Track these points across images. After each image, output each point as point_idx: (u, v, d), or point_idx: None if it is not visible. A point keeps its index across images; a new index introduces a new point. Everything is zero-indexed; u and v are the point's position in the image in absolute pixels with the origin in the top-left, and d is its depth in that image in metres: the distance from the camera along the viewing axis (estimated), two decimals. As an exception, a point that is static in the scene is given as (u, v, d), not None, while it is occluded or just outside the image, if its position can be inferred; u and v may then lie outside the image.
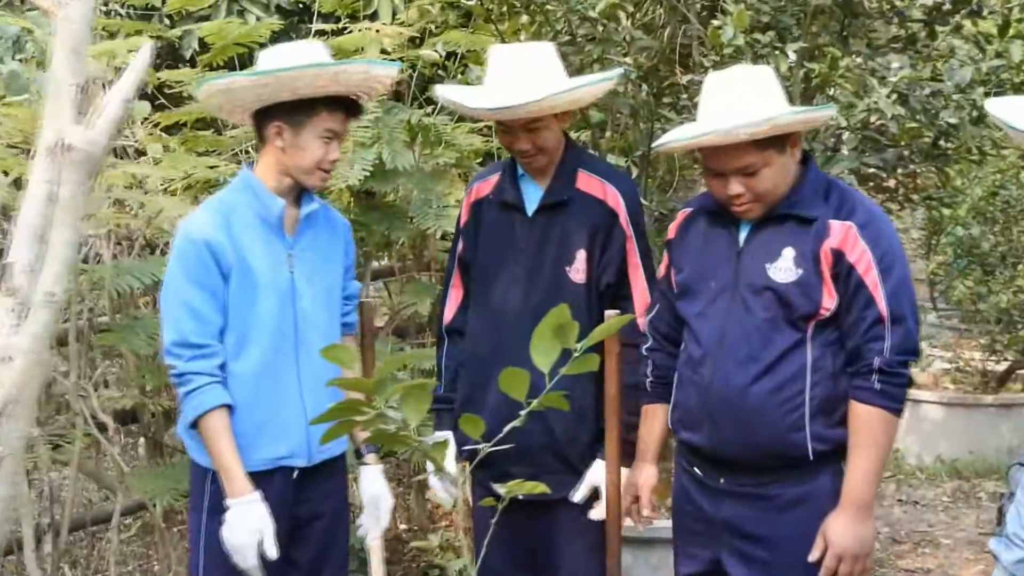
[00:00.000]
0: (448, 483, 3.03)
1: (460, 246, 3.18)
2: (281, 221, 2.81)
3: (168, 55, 5.64)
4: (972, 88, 3.85)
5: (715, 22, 3.51)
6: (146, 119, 3.84)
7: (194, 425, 2.70)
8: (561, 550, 3.08)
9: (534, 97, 2.79)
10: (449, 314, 3.22)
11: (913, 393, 6.93)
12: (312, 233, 2.90)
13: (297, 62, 2.68)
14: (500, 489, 2.11)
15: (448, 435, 3.03)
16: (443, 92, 3.05)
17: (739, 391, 2.66)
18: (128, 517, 3.86)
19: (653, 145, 3.05)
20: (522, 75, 2.91)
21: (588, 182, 3.04)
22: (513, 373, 1.89)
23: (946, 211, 6.29)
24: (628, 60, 3.73)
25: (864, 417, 2.58)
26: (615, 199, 3.03)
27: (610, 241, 3.03)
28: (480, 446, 2.02)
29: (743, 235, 2.73)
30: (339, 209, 3.95)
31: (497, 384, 2.85)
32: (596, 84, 2.98)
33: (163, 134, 4.01)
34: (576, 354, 1.92)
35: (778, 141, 2.59)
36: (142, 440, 3.84)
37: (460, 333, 3.19)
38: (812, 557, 2.62)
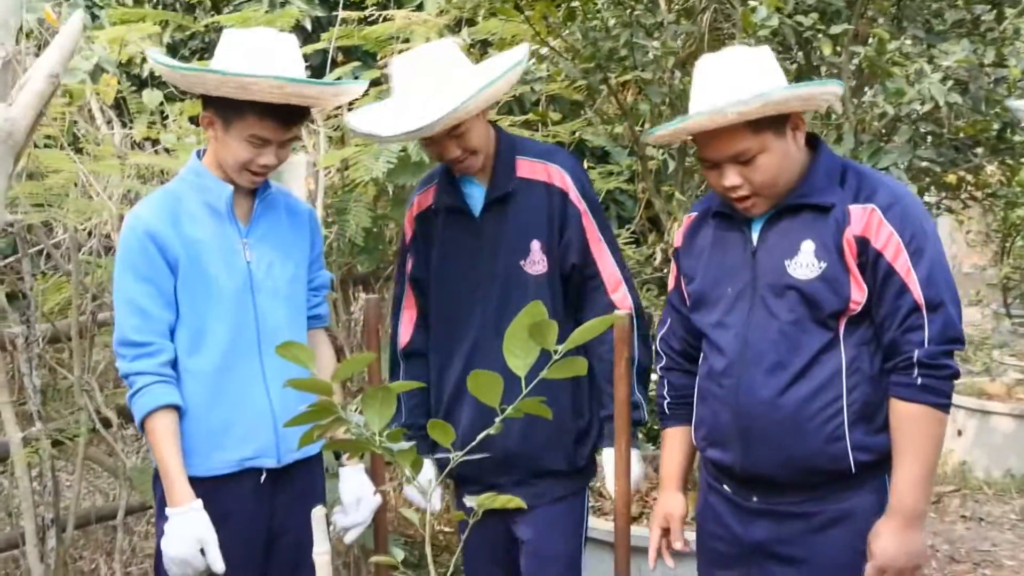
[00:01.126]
0: (419, 494, 2.89)
1: (409, 264, 3.00)
2: (231, 208, 2.63)
3: (209, 47, 5.59)
4: (1042, 76, 3.61)
5: (750, 2, 3.30)
6: (164, 111, 3.77)
7: (141, 426, 2.55)
8: (537, 557, 2.95)
9: (445, 110, 2.58)
10: (405, 336, 3.03)
11: (983, 404, 6.76)
12: (270, 220, 2.71)
13: (235, 60, 2.51)
14: (470, 502, 1.96)
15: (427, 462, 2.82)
16: (354, 124, 2.81)
17: (768, 403, 2.44)
18: (147, 512, 3.78)
19: (643, 140, 2.84)
20: (424, 86, 2.72)
21: (530, 167, 2.86)
22: (484, 376, 1.75)
23: (1020, 211, 6.01)
24: (658, 45, 3.53)
25: (907, 416, 2.35)
26: (561, 178, 2.85)
27: (566, 221, 2.85)
28: (451, 455, 1.88)
29: (756, 233, 2.50)
30: (363, 203, 3.85)
31: (470, 398, 2.73)
32: (506, 75, 2.71)
33: (190, 124, 3.94)
34: (556, 357, 1.77)
35: (775, 123, 2.36)
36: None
37: (418, 355, 3.02)
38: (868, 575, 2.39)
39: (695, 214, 2.71)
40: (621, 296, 2.87)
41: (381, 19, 4.24)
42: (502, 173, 2.85)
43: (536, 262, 2.83)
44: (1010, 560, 5.29)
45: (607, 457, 2.85)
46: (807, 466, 2.43)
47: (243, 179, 2.60)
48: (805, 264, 2.40)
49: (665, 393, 2.78)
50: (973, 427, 6.75)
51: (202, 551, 2.46)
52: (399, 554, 1.98)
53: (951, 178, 4.25)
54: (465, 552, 2.87)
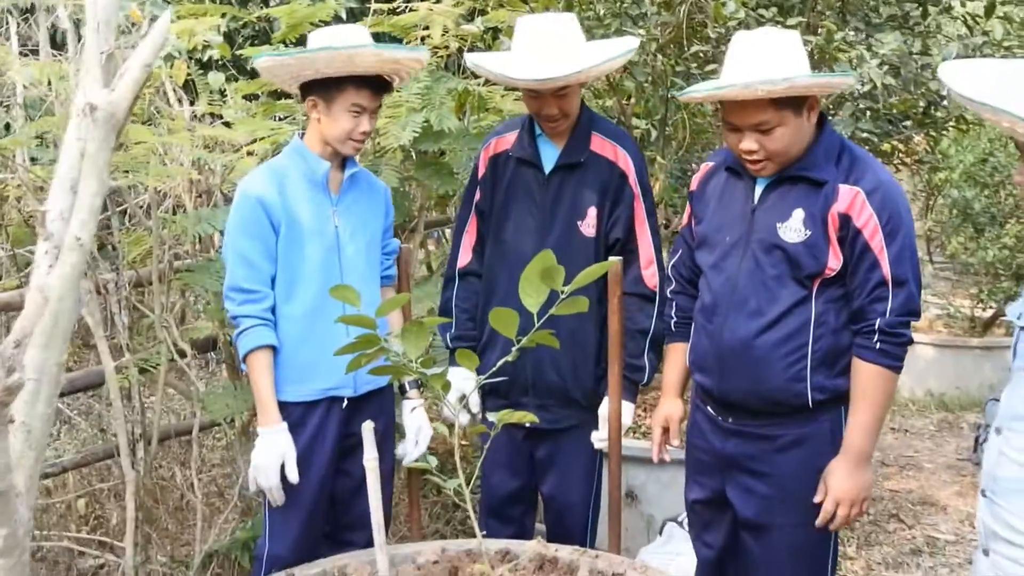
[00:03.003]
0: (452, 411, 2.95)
1: (478, 195, 3.00)
2: (326, 181, 2.74)
3: (259, 35, 5.56)
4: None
5: (721, -3, 3.30)
6: (223, 90, 3.76)
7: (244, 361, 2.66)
8: (559, 472, 2.96)
9: (571, 69, 2.62)
10: (465, 257, 3.04)
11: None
12: (355, 194, 2.82)
13: (331, 44, 2.58)
14: (492, 416, 2.00)
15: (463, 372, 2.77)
16: (476, 60, 2.84)
17: (745, 342, 2.47)
18: (213, 429, 3.83)
19: (677, 94, 2.83)
20: (550, 45, 2.73)
21: (601, 144, 2.86)
22: (502, 313, 1.79)
23: (941, 175, 6.02)
24: (643, 32, 3.54)
25: (866, 374, 2.39)
26: (625, 161, 2.85)
27: (620, 199, 2.85)
28: (495, 380, 1.93)
29: (758, 192, 2.51)
30: (392, 166, 3.86)
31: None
32: (622, 56, 2.78)
33: (245, 101, 3.93)
34: (563, 296, 1.80)
35: (795, 102, 2.35)
36: (224, 367, 3.79)
37: (473, 275, 3.02)
38: (817, 499, 2.46)
39: (712, 164, 2.70)
40: (651, 273, 2.88)
41: (407, 9, 4.21)
42: (578, 143, 2.86)
43: (590, 225, 2.83)
44: (928, 463, 5.42)
45: (603, 406, 2.87)
46: (772, 398, 2.47)
47: (347, 148, 2.70)
48: (794, 229, 2.41)
49: (672, 313, 2.79)
50: (900, 355, 6.82)
51: (283, 466, 2.60)
52: (432, 461, 2.00)
53: (886, 147, 4.27)
54: (486, 461, 2.89)
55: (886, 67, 3.43)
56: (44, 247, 1.58)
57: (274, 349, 2.65)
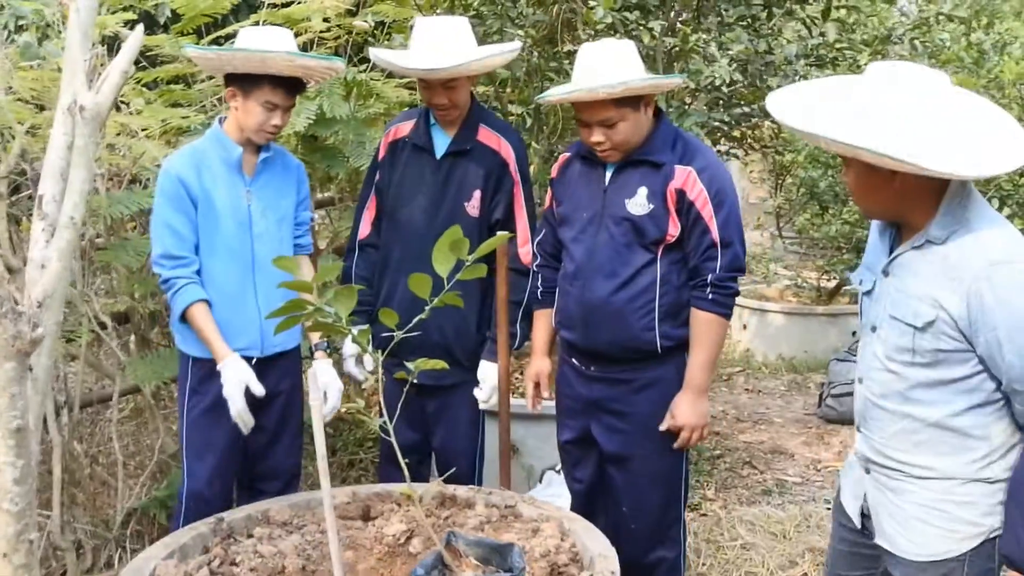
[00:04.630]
0: (361, 367, 3.32)
1: (377, 176, 3.39)
2: (240, 164, 3.08)
3: (146, 22, 5.73)
4: (797, 60, 4.21)
5: (591, 2, 3.79)
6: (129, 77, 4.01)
7: (182, 319, 2.99)
8: (447, 423, 3.39)
9: (456, 62, 3.03)
10: (365, 229, 3.42)
11: (762, 304, 7.39)
12: (268, 175, 3.15)
13: (252, 45, 2.94)
14: (410, 365, 2.36)
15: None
16: (378, 54, 3.26)
17: (604, 300, 2.94)
18: (121, 400, 4.10)
19: (536, 98, 3.31)
20: (443, 43, 3.13)
21: (487, 135, 3.28)
22: (419, 278, 2.14)
23: (789, 156, 6.67)
24: (521, 32, 4.00)
25: (701, 320, 2.91)
26: (507, 151, 3.28)
27: (501, 185, 3.27)
28: (393, 334, 2.28)
29: (608, 176, 2.97)
30: (287, 150, 4.20)
31: (404, 288, 3.16)
32: (503, 55, 3.22)
33: (144, 89, 4.19)
34: (467, 263, 2.22)
35: (633, 101, 2.82)
36: (132, 337, 4.08)
37: (371, 246, 3.41)
38: (662, 428, 2.96)
39: (568, 154, 3.16)
40: (526, 251, 3.30)
41: (299, 2, 4.46)
42: (467, 132, 3.27)
43: (474, 207, 3.25)
44: (778, 418, 6.07)
45: (483, 366, 3.30)
46: (628, 346, 2.96)
47: (259, 138, 3.06)
48: (639, 204, 2.90)
49: (539, 284, 3.24)
50: (754, 323, 7.43)
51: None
52: (360, 403, 2.38)
53: (737, 133, 4.83)
54: (387, 414, 3.30)
55: (735, 64, 4.00)
56: (40, 225, 1.93)
57: (208, 304, 2.99)
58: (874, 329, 2.24)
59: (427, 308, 2.19)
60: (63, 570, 3.59)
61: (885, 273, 2.22)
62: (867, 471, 2.34)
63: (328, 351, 3.33)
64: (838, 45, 4.27)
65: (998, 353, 2.01)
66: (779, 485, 4.90)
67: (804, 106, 2.14)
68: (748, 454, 5.34)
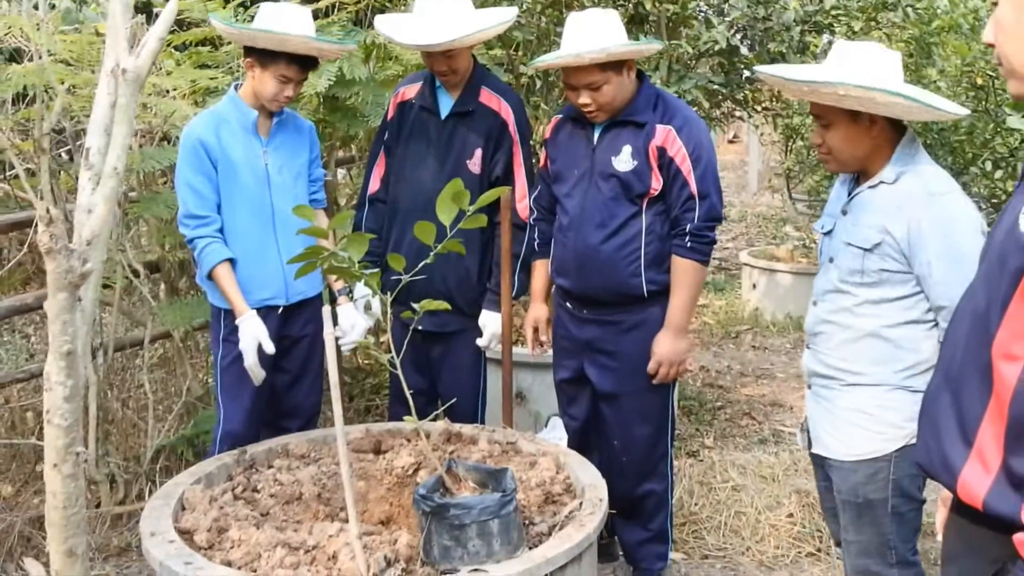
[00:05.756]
0: (369, 313, 3.51)
1: (386, 135, 3.63)
2: (255, 127, 3.33)
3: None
4: (795, 25, 4.40)
5: (595, -29, 4.00)
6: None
7: (208, 276, 3.26)
8: (451, 368, 3.63)
9: (450, 37, 3.24)
10: (375, 185, 3.67)
11: (772, 264, 7.55)
12: (282, 136, 3.41)
13: (272, 24, 3.18)
14: (416, 306, 2.58)
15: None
16: (380, 26, 3.48)
17: (594, 249, 3.21)
18: (153, 344, 4.38)
19: (529, 64, 3.54)
20: (440, 12, 3.34)
21: (488, 97, 3.51)
22: (424, 225, 2.35)
23: (797, 119, 6.84)
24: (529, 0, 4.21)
25: (681, 267, 3.18)
26: (507, 112, 3.51)
27: (501, 144, 3.51)
28: (401, 278, 2.44)
29: (596, 135, 3.23)
30: (309, 111, 4.43)
31: (411, 237, 3.40)
32: (498, 25, 3.42)
33: (173, 51, 4.44)
34: (469, 213, 2.44)
35: (616, 65, 3.07)
36: (163, 286, 4.35)
37: (380, 201, 3.65)
38: (649, 369, 3.22)
39: (560, 117, 3.42)
40: (524, 206, 3.53)
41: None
42: (469, 95, 3.50)
43: (476, 164, 3.49)
44: (781, 374, 6.31)
45: (484, 315, 3.55)
46: (617, 291, 3.24)
47: (273, 105, 3.32)
48: (624, 161, 3.16)
49: (536, 236, 3.50)
50: (764, 282, 7.58)
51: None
52: (371, 339, 2.63)
53: (740, 96, 5.03)
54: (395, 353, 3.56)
55: (734, 31, 4.19)
56: (87, 175, 2.20)
57: (231, 261, 3.25)
58: (832, 260, 2.60)
59: (432, 254, 2.40)
60: (97, 501, 3.92)
61: (844, 212, 2.59)
62: (809, 386, 2.71)
63: (350, 295, 3.58)
64: (835, 11, 4.45)
65: (928, 272, 2.38)
66: (775, 435, 5.15)
67: (806, 71, 2.54)
68: (748, 406, 5.59)
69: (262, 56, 3.23)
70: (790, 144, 8.01)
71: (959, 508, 1.60)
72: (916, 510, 2.58)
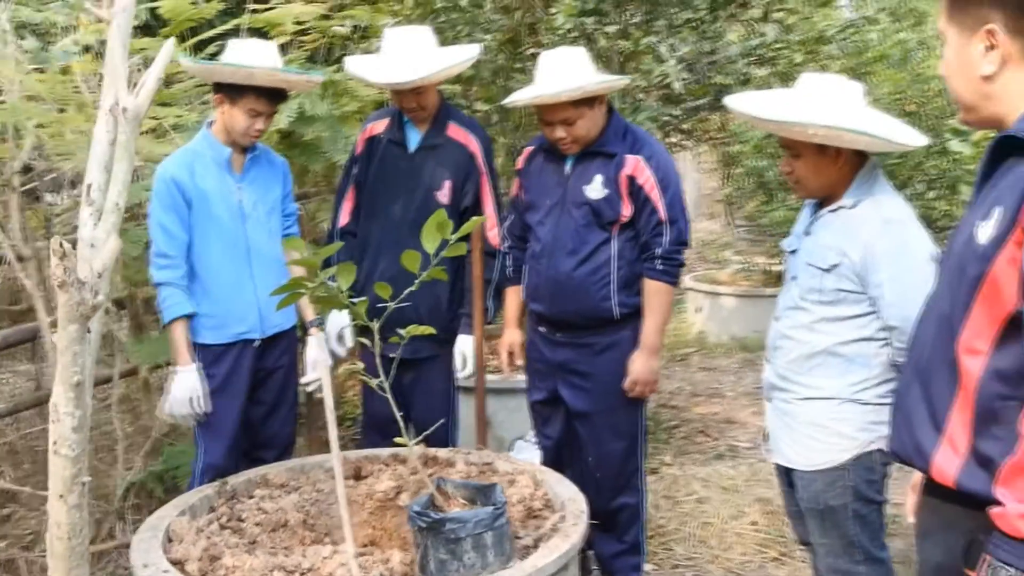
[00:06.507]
0: (341, 343, 3.64)
1: (355, 169, 3.72)
2: (229, 163, 3.40)
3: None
4: (739, 59, 4.62)
5: (552, 10, 4.17)
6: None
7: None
8: (423, 394, 3.71)
9: (420, 75, 3.37)
10: (344, 218, 3.75)
11: (715, 288, 7.75)
12: (256, 171, 3.48)
13: (239, 58, 3.26)
14: (401, 332, 2.65)
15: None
16: (352, 68, 3.59)
17: (567, 274, 3.34)
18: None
19: (503, 102, 3.69)
20: (407, 52, 3.47)
21: (456, 131, 3.63)
22: (410, 254, 2.39)
23: (736, 147, 7.07)
24: (488, 36, 4.36)
25: (653, 288, 3.32)
26: (475, 145, 3.63)
27: (469, 175, 3.63)
28: (378, 308, 2.51)
29: (568, 166, 3.37)
30: (270, 145, 4.48)
31: (383, 268, 3.44)
32: (463, 62, 3.56)
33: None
34: (451, 242, 2.51)
35: (588, 100, 3.22)
36: (128, 322, 4.37)
37: (350, 233, 3.73)
38: (626, 387, 3.33)
39: (532, 147, 3.55)
40: (494, 234, 3.65)
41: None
42: (437, 129, 3.61)
43: (444, 195, 3.60)
44: (731, 392, 6.51)
45: (460, 339, 3.64)
46: (590, 315, 3.36)
47: (244, 140, 3.38)
48: (596, 189, 3.30)
49: (509, 263, 3.62)
50: (708, 305, 7.80)
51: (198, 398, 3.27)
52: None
53: (686, 126, 5.23)
54: (366, 387, 3.62)
55: (682, 64, 4.40)
56: (88, 211, 2.27)
57: (188, 317, 3.29)
58: (794, 278, 2.77)
59: (417, 281, 2.45)
60: (69, 539, 3.89)
61: (807, 233, 2.75)
62: (769, 399, 2.86)
63: (321, 327, 3.64)
64: (776, 46, 4.68)
65: (881, 294, 2.55)
66: (731, 450, 5.33)
67: (772, 103, 2.72)
68: (703, 424, 5.77)
69: (231, 91, 3.29)
70: (729, 171, 8.26)
71: (931, 489, 1.78)
72: (877, 511, 2.73)
